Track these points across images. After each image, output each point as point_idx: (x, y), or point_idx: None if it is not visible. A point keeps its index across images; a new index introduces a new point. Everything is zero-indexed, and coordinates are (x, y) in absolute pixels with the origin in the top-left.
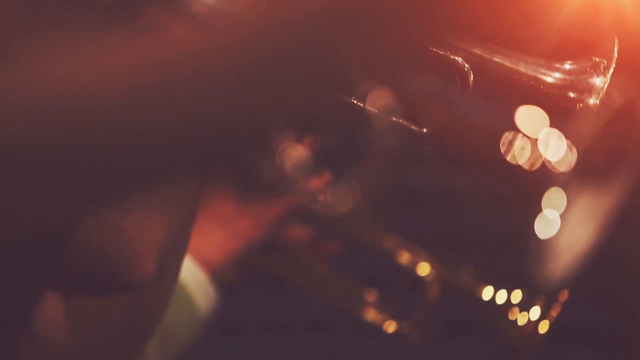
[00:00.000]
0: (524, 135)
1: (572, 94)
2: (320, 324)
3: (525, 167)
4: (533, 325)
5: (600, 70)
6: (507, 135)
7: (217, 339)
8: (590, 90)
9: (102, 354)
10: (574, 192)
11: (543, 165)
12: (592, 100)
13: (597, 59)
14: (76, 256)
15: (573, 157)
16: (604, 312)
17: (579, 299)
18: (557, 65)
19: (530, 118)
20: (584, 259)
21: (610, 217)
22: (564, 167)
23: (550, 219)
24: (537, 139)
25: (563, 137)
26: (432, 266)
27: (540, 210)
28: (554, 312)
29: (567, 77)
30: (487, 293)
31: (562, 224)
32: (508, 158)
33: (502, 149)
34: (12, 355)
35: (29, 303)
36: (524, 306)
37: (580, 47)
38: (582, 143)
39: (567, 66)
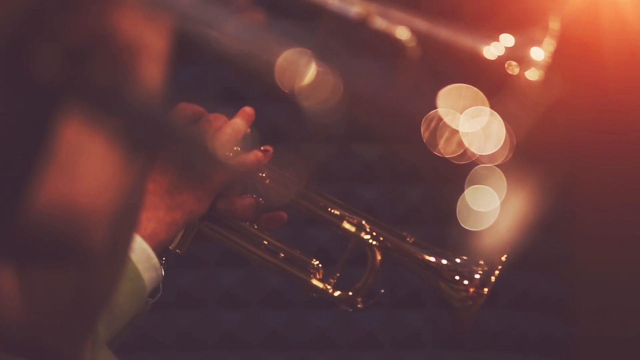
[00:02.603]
0: (447, 122)
1: (512, 67)
2: (276, 297)
3: (449, 153)
4: (475, 288)
5: (540, 43)
6: (432, 119)
7: (173, 312)
8: (529, 62)
9: (55, 327)
10: (507, 174)
11: (469, 155)
12: (532, 73)
13: (537, 33)
14: (24, 223)
15: (510, 141)
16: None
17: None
18: (497, 38)
19: (469, 100)
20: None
21: (538, 204)
22: (500, 153)
23: (475, 204)
24: (461, 124)
25: (501, 120)
26: (376, 232)
27: (462, 191)
28: (494, 277)
29: (507, 50)
30: (430, 258)
31: (493, 207)
32: (428, 139)
33: (426, 134)
34: None
35: None
36: (467, 271)
37: (521, 20)
38: (519, 129)
39: (507, 39)
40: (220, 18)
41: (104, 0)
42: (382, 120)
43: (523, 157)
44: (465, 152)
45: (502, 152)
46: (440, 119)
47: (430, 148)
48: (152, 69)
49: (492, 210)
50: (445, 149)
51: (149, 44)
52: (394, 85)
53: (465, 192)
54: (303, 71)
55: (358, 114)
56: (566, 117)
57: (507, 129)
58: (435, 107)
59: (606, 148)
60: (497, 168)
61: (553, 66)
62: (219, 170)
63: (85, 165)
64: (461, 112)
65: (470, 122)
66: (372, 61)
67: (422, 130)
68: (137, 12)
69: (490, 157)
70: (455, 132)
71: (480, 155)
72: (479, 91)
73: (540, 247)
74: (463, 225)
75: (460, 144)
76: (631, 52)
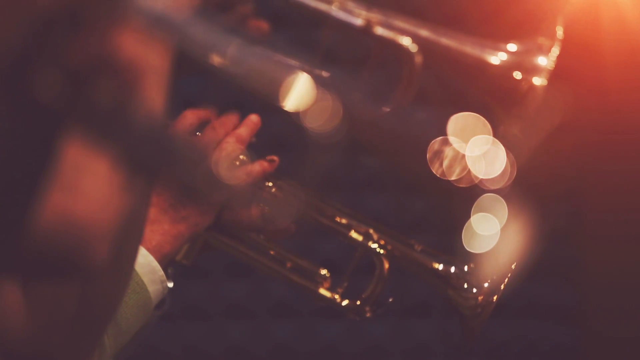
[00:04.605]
0: (456, 148)
1: (517, 75)
2: (283, 307)
3: (454, 179)
4: (484, 296)
5: (544, 51)
6: (438, 146)
7: (179, 324)
8: (534, 70)
9: (60, 341)
10: (510, 202)
11: (471, 178)
12: (537, 81)
13: (541, 40)
14: (28, 239)
15: (511, 168)
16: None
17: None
18: (502, 46)
19: (471, 127)
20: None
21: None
22: (501, 178)
23: (480, 229)
24: (466, 151)
25: (503, 149)
26: (384, 241)
27: (468, 218)
28: (503, 284)
29: (512, 57)
30: (439, 266)
31: (495, 233)
32: (437, 170)
33: (432, 162)
34: None
35: None
36: (475, 279)
37: (525, 28)
38: (521, 156)
39: (512, 47)
40: (222, 41)
41: (106, 23)
42: (386, 144)
43: (526, 183)
44: (467, 176)
45: (503, 177)
46: (447, 143)
47: (434, 170)
48: (154, 90)
49: (494, 234)
50: (449, 171)
51: (151, 66)
52: (397, 111)
53: (472, 218)
54: (304, 96)
55: (361, 139)
56: (569, 120)
57: (508, 157)
58: (440, 133)
59: (611, 152)
60: (500, 196)
61: (556, 75)
62: (221, 187)
63: (87, 183)
64: (466, 140)
65: (473, 149)
66: (376, 70)
67: (427, 153)
68: (140, 35)
69: (492, 182)
70: (460, 155)
71: (482, 179)
72: (484, 119)
73: (549, 255)
74: (468, 249)
75: (464, 168)
76: (631, 52)
